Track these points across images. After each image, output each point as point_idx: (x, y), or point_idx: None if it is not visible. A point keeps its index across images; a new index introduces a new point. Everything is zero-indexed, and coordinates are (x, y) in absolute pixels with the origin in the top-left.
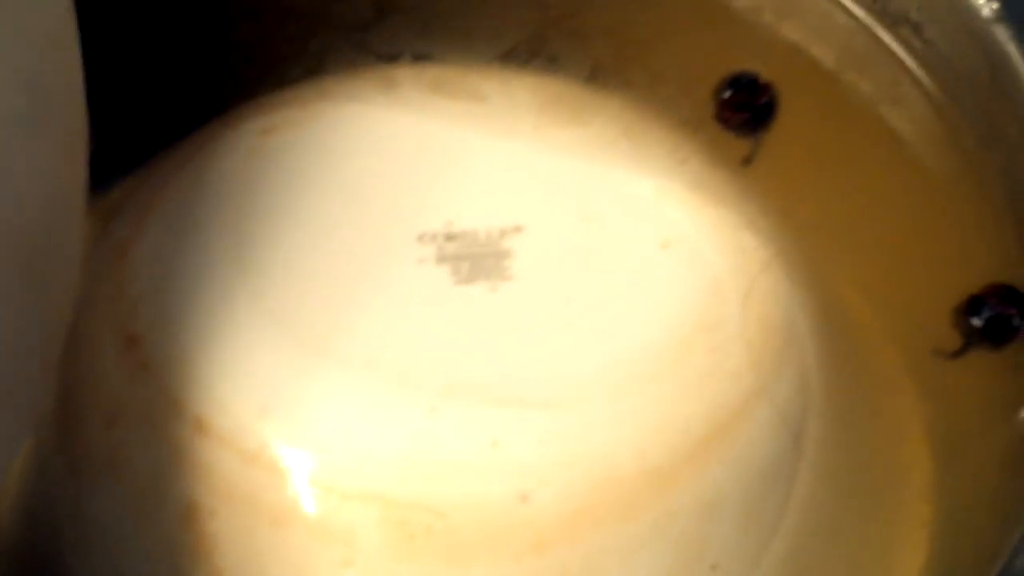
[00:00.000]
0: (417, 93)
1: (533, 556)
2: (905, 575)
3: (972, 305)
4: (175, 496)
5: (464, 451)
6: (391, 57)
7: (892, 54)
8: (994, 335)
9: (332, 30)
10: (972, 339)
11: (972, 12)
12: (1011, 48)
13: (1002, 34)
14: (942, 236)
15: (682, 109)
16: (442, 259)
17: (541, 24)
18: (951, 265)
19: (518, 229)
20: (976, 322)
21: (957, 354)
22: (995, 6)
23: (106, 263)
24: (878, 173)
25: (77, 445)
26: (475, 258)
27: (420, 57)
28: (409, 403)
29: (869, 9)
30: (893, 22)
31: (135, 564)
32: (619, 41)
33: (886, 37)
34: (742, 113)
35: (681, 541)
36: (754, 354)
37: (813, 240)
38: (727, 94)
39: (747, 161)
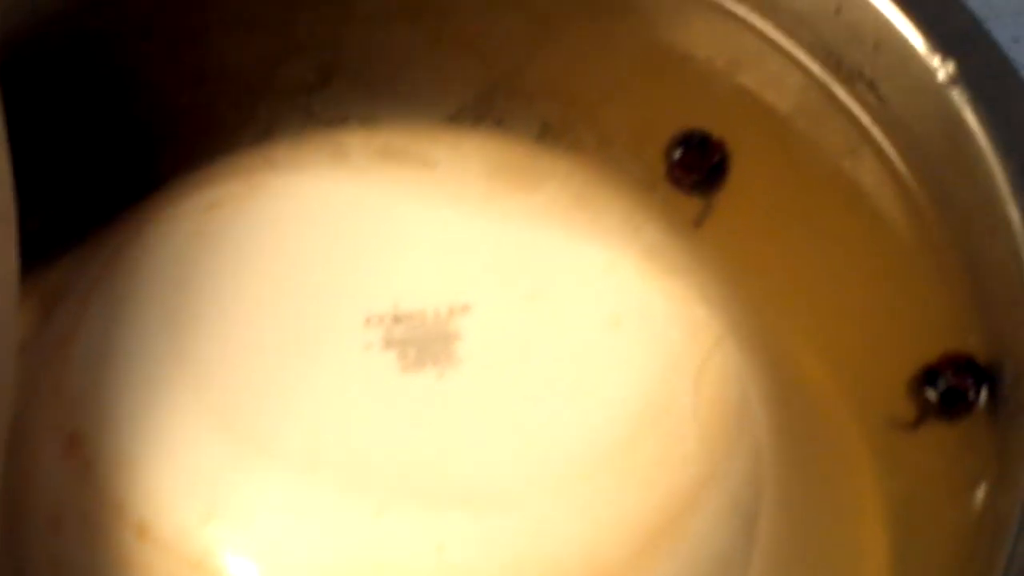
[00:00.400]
0: (366, 161)
1: None
2: None
3: (928, 376)
4: None
5: (410, 557)
6: (339, 121)
7: (847, 111)
8: (949, 408)
9: (277, 95)
10: (927, 412)
11: (927, 73)
12: (967, 113)
13: (958, 97)
14: (899, 301)
15: (634, 169)
16: (389, 343)
17: (487, 84)
18: (909, 331)
19: (466, 308)
20: (931, 394)
21: (913, 426)
22: (951, 69)
23: (47, 358)
24: (833, 234)
25: (23, 546)
26: (422, 342)
27: (367, 120)
28: (355, 506)
29: (824, 64)
30: (847, 78)
31: None
32: (566, 100)
33: (841, 93)
34: (694, 173)
35: None
36: (706, 438)
37: (769, 304)
38: (678, 154)
39: (699, 223)
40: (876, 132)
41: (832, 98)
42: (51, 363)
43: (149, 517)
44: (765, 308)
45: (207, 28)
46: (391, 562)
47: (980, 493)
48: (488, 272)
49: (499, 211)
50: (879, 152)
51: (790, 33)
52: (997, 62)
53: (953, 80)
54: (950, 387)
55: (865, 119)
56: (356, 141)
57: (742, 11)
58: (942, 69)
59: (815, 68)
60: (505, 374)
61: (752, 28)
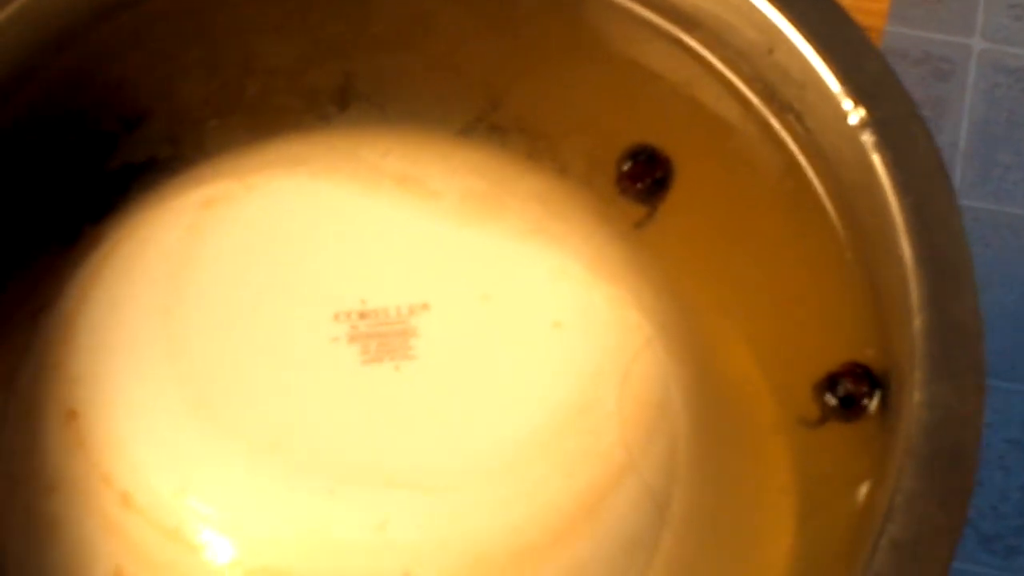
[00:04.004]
0: (355, 170)
1: None
2: None
3: (829, 382)
4: (104, 561)
5: (356, 532)
6: (343, 130)
7: (778, 138)
8: (846, 411)
9: (298, 97)
10: (828, 413)
11: (842, 114)
12: (873, 154)
13: (867, 139)
14: (813, 312)
15: (588, 187)
16: (354, 338)
17: (477, 110)
18: (819, 339)
19: (425, 307)
20: (831, 398)
21: (816, 424)
22: (862, 114)
23: (52, 339)
24: (761, 247)
25: (26, 506)
26: (383, 337)
27: (365, 131)
28: (310, 486)
29: (760, 95)
30: (780, 109)
31: None
32: (534, 134)
33: (774, 122)
34: (639, 183)
35: None
36: (626, 432)
37: (698, 308)
38: (627, 166)
39: (639, 225)
40: (803, 160)
41: (767, 126)
42: (55, 341)
43: (132, 489)
44: (696, 310)
45: (244, 28)
46: (339, 537)
47: (864, 489)
48: (449, 274)
49: (464, 222)
50: (804, 179)
51: (731, 65)
52: (904, 108)
53: (864, 124)
54: (848, 393)
55: (794, 148)
56: (346, 150)
57: (692, 43)
58: (854, 114)
59: (753, 98)
60: (454, 369)
61: (701, 58)
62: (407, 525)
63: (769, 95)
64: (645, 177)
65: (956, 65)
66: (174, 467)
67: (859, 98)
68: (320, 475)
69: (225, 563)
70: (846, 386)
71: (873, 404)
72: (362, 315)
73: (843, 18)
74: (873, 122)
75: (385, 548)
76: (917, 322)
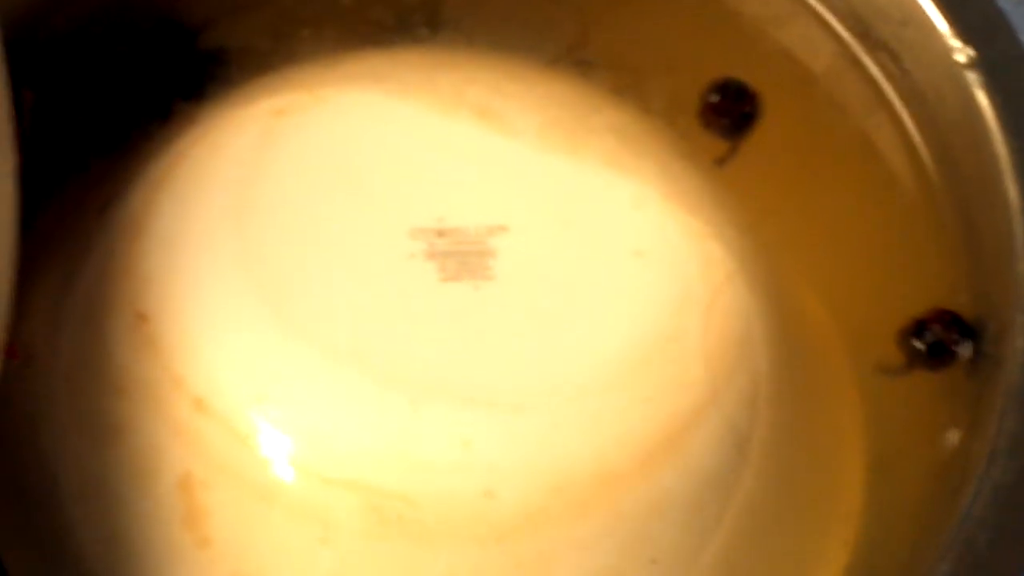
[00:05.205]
0: (434, 91)
1: (493, 546)
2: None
3: (917, 328)
4: (172, 465)
5: (438, 448)
6: (428, 48)
7: (871, 77)
8: (934, 359)
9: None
10: (914, 360)
11: (947, 53)
12: (980, 94)
13: (973, 79)
14: (900, 256)
15: (670, 124)
16: (432, 255)
17: (566, 42)
18: (905, 284)
19: (503, 228)
20: (919, 345)
21: (900, 372)
22: (971, 53)
23: (119, 238)
24: (845, 188)
25: (87, 408)
26: (462, 256)
27: (448, 52)
28: (391, 399)
29: (853, 32)
30: (873, 47)
31: (131, 523)
32: (621, 68)
33: (866, 61)
34: (724, 118)
35: (626, 539)
36: (710, 365)
37: (778, 247)
38: (713, 98)
39: (721, 162)
40: (895, 100)
41: (858, 64)
42: (124, 243)
43: (205, 393)
44: (774, 250)
45: None
46: (422, 453)
47: (952, 437)
48: (528, 198)
49: (545, 148)
50: (896, 118)
51: (824, 1)
52: (1013, 49)
53: (971, 63)
54: (937, 340)
55: (886, 87)
56: (427, 74)
57: None
58: (961, 53)
59: (845, 35)
60: (534, 292)
61: None
62: (490, 444)
63: (863, 32)
64: (732, 111)
65: None
66: (250, 373)
67: (967, 37)
68: (402, 389)
69: (301, 473)
70: (935, 332)
71: (965, 351)
72: (439, 233)
73: None
74: (981, 62)
75: (468, 466)
76: (1022, 266)
